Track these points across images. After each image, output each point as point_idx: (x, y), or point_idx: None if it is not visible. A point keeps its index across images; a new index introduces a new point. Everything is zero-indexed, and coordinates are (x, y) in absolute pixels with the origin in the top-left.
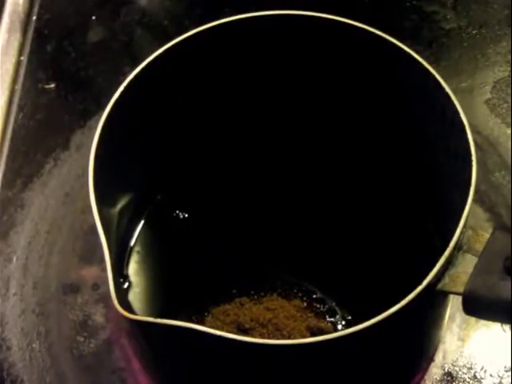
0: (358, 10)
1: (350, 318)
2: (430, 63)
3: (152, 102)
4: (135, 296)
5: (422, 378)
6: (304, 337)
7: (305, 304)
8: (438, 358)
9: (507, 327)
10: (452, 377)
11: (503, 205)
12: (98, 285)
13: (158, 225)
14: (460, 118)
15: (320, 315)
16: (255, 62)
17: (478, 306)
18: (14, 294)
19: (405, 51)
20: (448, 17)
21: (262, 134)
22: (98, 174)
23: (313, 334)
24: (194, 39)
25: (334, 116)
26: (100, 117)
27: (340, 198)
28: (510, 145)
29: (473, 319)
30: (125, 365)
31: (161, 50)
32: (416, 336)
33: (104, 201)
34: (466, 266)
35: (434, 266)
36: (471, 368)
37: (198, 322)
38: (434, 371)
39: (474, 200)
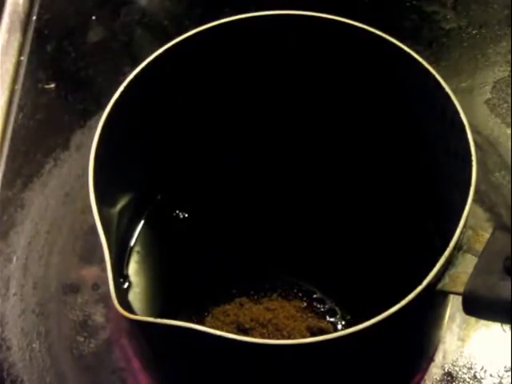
0: (358, 10)
1: (349, 318)
2: (430, 63)
3: (152, 102)
4: (135, 296)
5: (422, 378)
6: (304, 337)
7: (305, 304)
8: (438, 358)
9: (507, 327)
10: (452, 377)
11: (503, 205)
12: (98, 285)
13: (157, 225)
14: (460, 118)
15: (320, 315)
16: (255, 62)
17: (478, 306)
18: (14, 294)
19: (405, 51)
20: (448, 17)
21: (261, 134)
22: (98, 174)
23: (313, 334)
24: (194, 39)
25: (334, 116)
26: (100, 117)
27: (340, 198)
28: (510, 145)
29: (473, 319)
30: (125, 365)
31: (161, 50)
32: (416, 336)
33: (104, 201)
34: (466, 266)
35: (433, 266)
36: (471, 368)
37: (198, 322)
38: (434, 371)
39: (474, 200)
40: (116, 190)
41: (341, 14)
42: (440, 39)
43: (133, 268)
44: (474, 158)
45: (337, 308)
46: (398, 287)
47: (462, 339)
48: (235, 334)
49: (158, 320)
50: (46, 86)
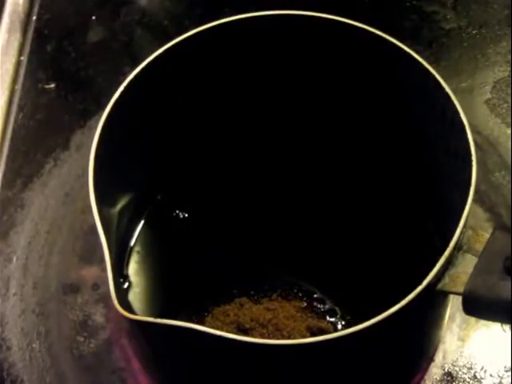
0: (358, 10)
1: (349, 318)
2: (430, 63)
3: (152, 102)
4: (135, 296)
5: (422, 378)
6: (304, 337)
7: (305, 304)
8: (438, 358)
9: (507, 327)
10: (452, 377)
11: (503, 205)
12: (98, 285)
13: (158, 225)
14: (460, 118)
15: (320, 315)
16: (255, 62)
17: (478, 306)
18: (14, 294)
19: (405, 51)
20: (448, 17)
21: (261, 134)
22: (98, 174)
23: (313, 334)
24: (194, 39)
25: (334, 116)
26: (100, 117)
27: (340, 198)
28: (510, 145)
29: (473, 319)
30: (125, 365)
31: (161, 50)
32: (416, 336)
33: (104, 201)
34: (466, 266)
35: (433, 266)
36: (471, 368)
37: (198, 322)
38: (434, 371)
39: (474, 200)
40: (116, 190)
41: (341, 14)
42: (440, 39)
43: (133, 268)
44: (473, 157)
45: (337, 308)
46: (398, 287)
47: (462, 339)
48: (235, 334)
49: (158, 320)
50: (46, 86)
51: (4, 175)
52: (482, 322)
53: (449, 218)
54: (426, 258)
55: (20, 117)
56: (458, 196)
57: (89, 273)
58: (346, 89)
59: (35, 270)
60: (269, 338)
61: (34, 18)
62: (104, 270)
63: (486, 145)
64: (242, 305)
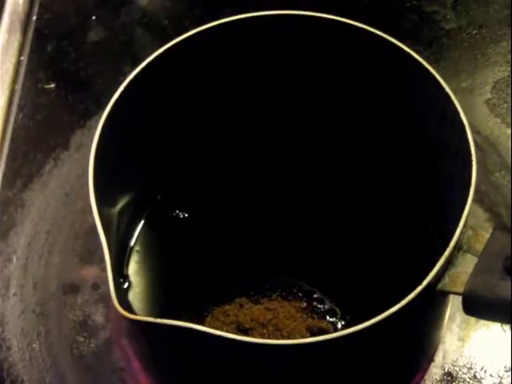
0: (358, 10)
1: (349, 318)
2: (430, 63)
3: (152, 102)
4: (135, 296)
5: (422, 377)
6: (304, 337)
7: (305, 304)
8: (438, 358)
9: (507, 327)
10: (452, 377)
11: (503, 205)
12: (98, 285)
13: (158, 225)
14: (460, 118)
15: (320, 315)
16: (255, 62)
17: (478, 306)
18: (14, 294)
19: (405, 51)
20: (448, 17)
21: (262, 134)
22: (98, 174)
23: (313, 334)
24: (194, 39)
25: (334, 116)
26: (100, 117)
27: (340, 198)
28: (510, 145)
29: (473, 319)
30: (125, 365)
31: (161, 50)
32: (416, 336)
33: (104, 201)
34: (466, 265)
35: (434, 266)
36: (471, 368)
37: (197, 322)
38: (434, 371)
39: (474, 200)
40: (116, 190)
41: (341, 14)
42: (440, 39)
43: (133, 268)
44: (473, 157)
45: (337, 308)
46: (398, 287)
47: (462, 339)
48: (235, 334)
49: (158, 320)
50: (46, 86)
51: (4, 175)
52: (482, 322)
53: (449, 218)
54: (425, 258)
55: (20, 117)
56: (458, 196)
57: (89, 273)
58: (346, 89)
59: (35, 270)
60: (269, 338)
61: (34, 18)
62: (104, 270)
63: (486, 145)
64: (241, 305)
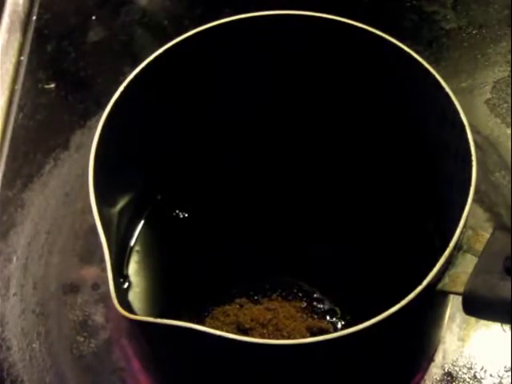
0: (358, 10)
1: (349, 318)
2: (430, 63)
3: (152, 102)
4: (135, 296)
5: (422, 377)
6: (304, 337)
7: (305, 304)
8: (438, 358)
9: (507, 327)
10: (452, 377)
11: (503, 205)
12: (98, 285)
13: (158, 225)
14: (460, 118)
15: (320, 315)
16: (255, 62)
17: (478, 306)
18: (14, 294)
19: (405, 51)
20: (448, 17)
21: (261, 134)
22: (98, 174)
23: (313, 334)
24: (194, 39)
25: (334, 116)
26: (100, 117)
27: (340, 198)
28: (510, 145)
29: (473, 319)
30: (125, 365)
31: (161, 50)
32: (416, 336)
33: (104, 201)
34: (466, 265)
35: (433, 266)
36: (471, 368)
37: (197, 322)
38: (434, 371)
39: (474, 200)
40: (116, 190)
41: (341, 14)
42: (440, 39)
43: (133, 268)
44: (473, 157)
45: (337, 308)
46: (398, 287)
47: (462, 339)
48: (235, 334)
49: (158, 320)
50: (46, 86)
51: (4, 175)
52: (482, 321)
53: (449, 218)
54: (425, 258)
55: (20, 117)
56: (458, 196)
57: (89, 273)
58: (346, 89)
59: (35, 270)
60: (269, 338)
61: (34, 18)
62: (104, 270)
63: (486, 145)
64: (241, 305)
